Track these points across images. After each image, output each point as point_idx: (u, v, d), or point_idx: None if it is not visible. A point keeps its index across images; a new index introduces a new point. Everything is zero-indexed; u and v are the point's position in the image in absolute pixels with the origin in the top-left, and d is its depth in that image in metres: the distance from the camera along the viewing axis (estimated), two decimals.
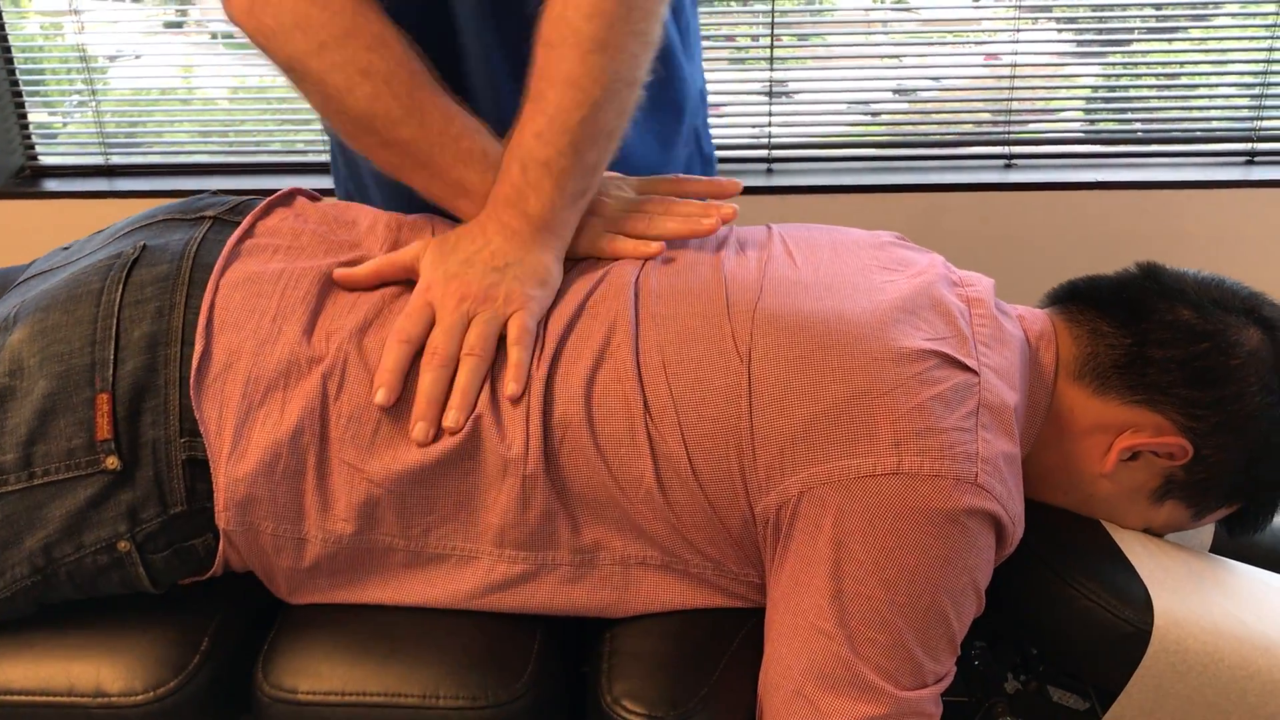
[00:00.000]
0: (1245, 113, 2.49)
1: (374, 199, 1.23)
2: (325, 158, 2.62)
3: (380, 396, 0.89)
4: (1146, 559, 0.98)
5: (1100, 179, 2.45)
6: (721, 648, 0.93)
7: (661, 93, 1.15)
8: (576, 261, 1.01)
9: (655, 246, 1.01)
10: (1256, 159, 2.50)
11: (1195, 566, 1.01)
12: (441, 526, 0.92)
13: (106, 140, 2.65)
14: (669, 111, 1.22)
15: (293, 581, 0.95)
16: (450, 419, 0.89)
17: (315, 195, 1.11)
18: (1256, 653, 0.94)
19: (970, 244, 2.48)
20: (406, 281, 0.98)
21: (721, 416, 0.88)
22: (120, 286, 0.93)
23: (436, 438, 0.89)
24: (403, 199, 1.07)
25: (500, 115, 1.02)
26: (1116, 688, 0.94)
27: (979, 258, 2.46)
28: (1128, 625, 0.93)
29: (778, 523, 0.88)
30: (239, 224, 1.01)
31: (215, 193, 1.10)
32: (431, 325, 0.93)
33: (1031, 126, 2.60)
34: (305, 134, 2.68)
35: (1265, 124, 2.49)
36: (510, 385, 0.90)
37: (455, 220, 1.04)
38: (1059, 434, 1.00)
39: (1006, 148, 2.54)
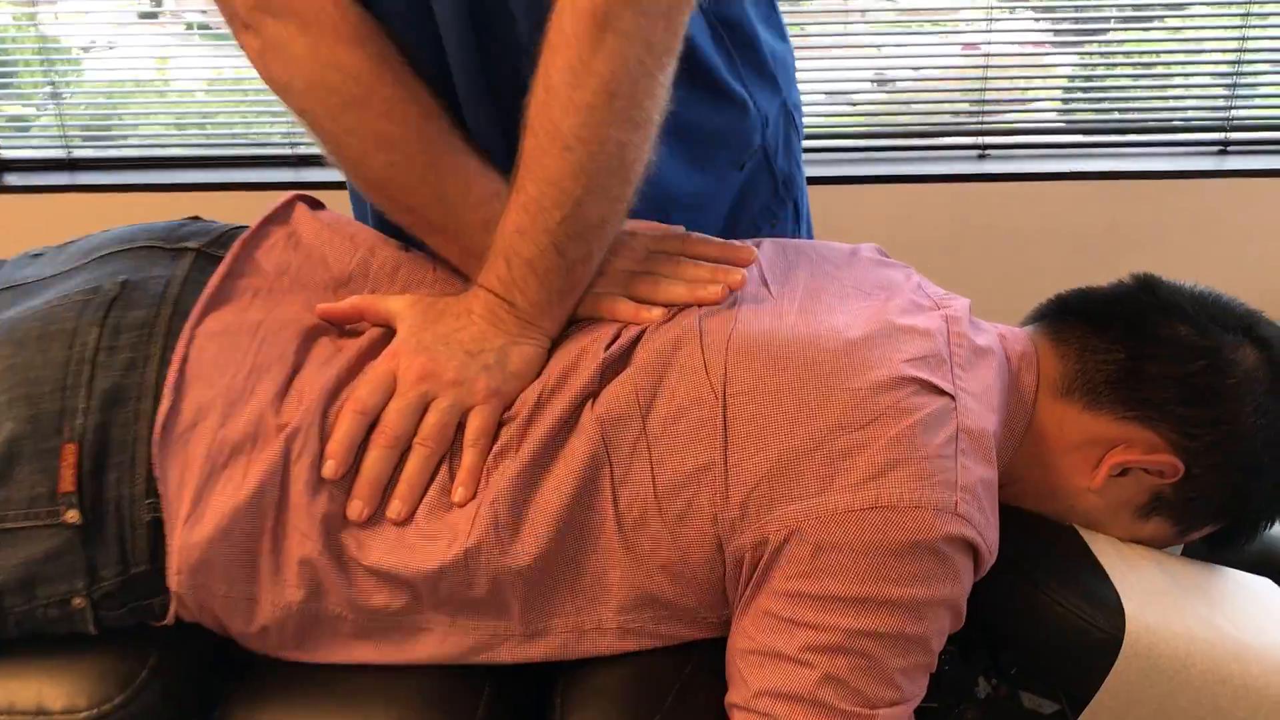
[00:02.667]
0: (1219, 101, 2.48)
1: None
2: (304, 149, 2.59)
3: (328, 469, 0.87)
4: (1119, 563, 0.97)
5: (1075, 169, 2.44)
6: (679, 672, 0.91)
7: (702, 124, 1.10)
8: (576, 323, 0.97)
9: (655, 313, 0.95)
10: (1230, 148, 2.49)
11: (1169, 569, 1.00)
12: (390, 601, 0.89)
13: (68, 133, 2.60)
14: (714, 143, 1.15)
15: (245, 642, 0.92)
16: (393, 509, 0.87)
17: (317, 203, 1.07)
18: (1229, 658, 0.92)
19: (945, 236, 2.46)
20: (387, 330, 0.95)
21: (694, 454, 0.86)
22: (97, 329, 0.89)
23: (373, 519, 0.87)
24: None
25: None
26: (1088, 694, 0.92)
27: (954, 250, 2.45)
28: (1099, 632, 0.91)
29: (753, 561, 0.85)
30: (220, 257, 0.97)
31: (196, 218, 1.06)
32: (391, 397, 0.90)
33: (1006, 116, 2.58)
34: (281, 126, 2.65)
35: (1238, 113, 2.48)
36: (459, 490, 0.87)
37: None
38: (1044, 450, 0.98)
39: (980, 138, 2.53)
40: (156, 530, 0.86)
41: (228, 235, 1.00)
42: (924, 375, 0.87)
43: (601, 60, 0.86)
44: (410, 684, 0.90)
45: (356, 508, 0.87)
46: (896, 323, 0.92)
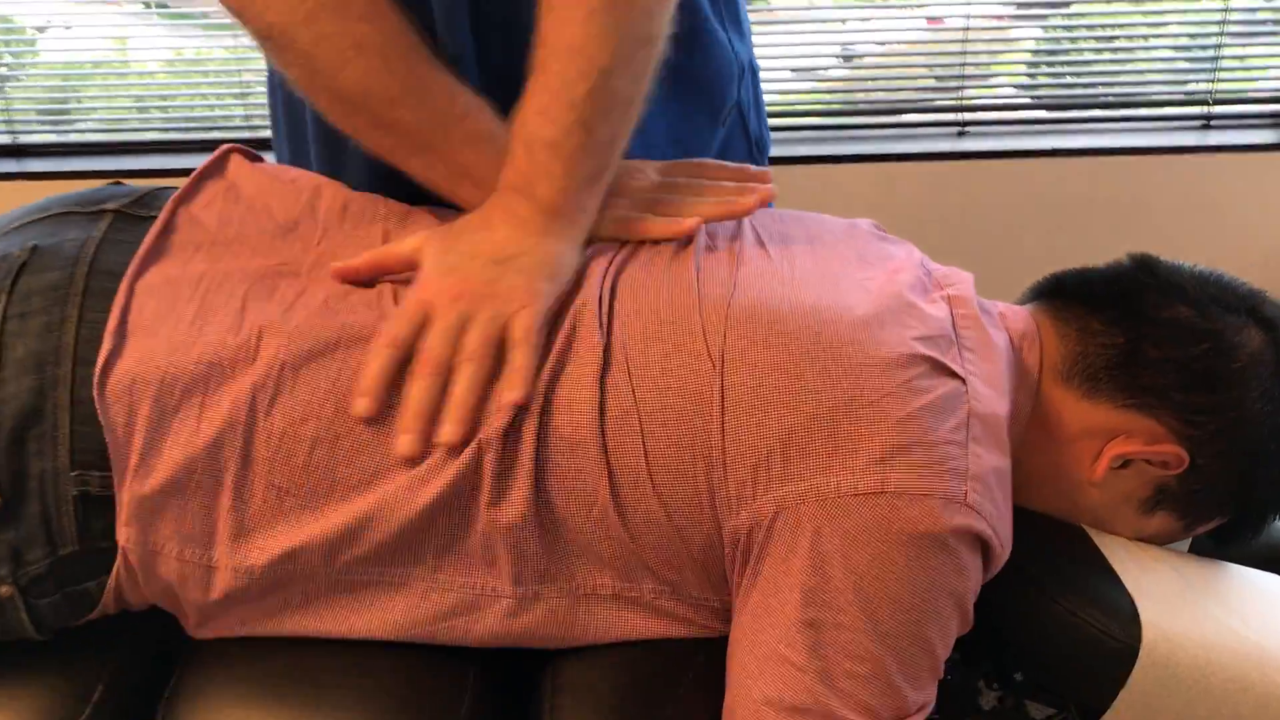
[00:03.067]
0: (1202, 74, 2.43)
1: (354, 180, 1.10)
2: (265, 132, 2.48)
3: (361, 406, 0.80)
4: (1133, 566, 0.91)
5: (1056, 146, 2.39)
6: (675, 678, 0.84)
7: (688, 66, 1.04)
8: (593, 243, 0.92)
9: (691, 222, 0.90)
10: (1213, 123, 2.45)
11: (1184, 571, 0.94)
12: (374, 554, 0.82)
13: (15, 119, 2.50)
14: (697, 88, 1.11)
15: (203, 613, 0.85)
16: (445, 432, 0.79)
17: (254, 155, 1.00)
18: (1249, 665, 0.87)
19: (923, 215, 2.41)
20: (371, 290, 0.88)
21: (689, 426, 0.79)
22: (4, 297, 0.82)
23: (424, 457, 0.80)
24: (392, 182, 0.96)
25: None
26: (1103, 705, 0.87)
27: (933, 230, 2.39)
28: (1114, 641, 0.86)
29: (749, 544, 0.79)
30: (145, 217, 0.90)
31: (116, 181, 0.99)
32: (424, 327, 0.83)
33: (985, 92, 2.52)
34: (240, 108, 2.55)
35: (1221, 86, 2.43)
36: (508, 393, 0.80)
37: (438, 204, 0.93)
38: (1045, 439, 0.92)
39: (959, 114, 2.47)
40: (85, 505, 0.80)
41: (149, 196, 0.93)
42: (934, 355, 0.82)
43: None
44: (385, 680, 0.84)
45: (407, 442, 0.80)
46: (902, 297, 0.86)
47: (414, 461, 0.80)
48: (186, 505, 0.80)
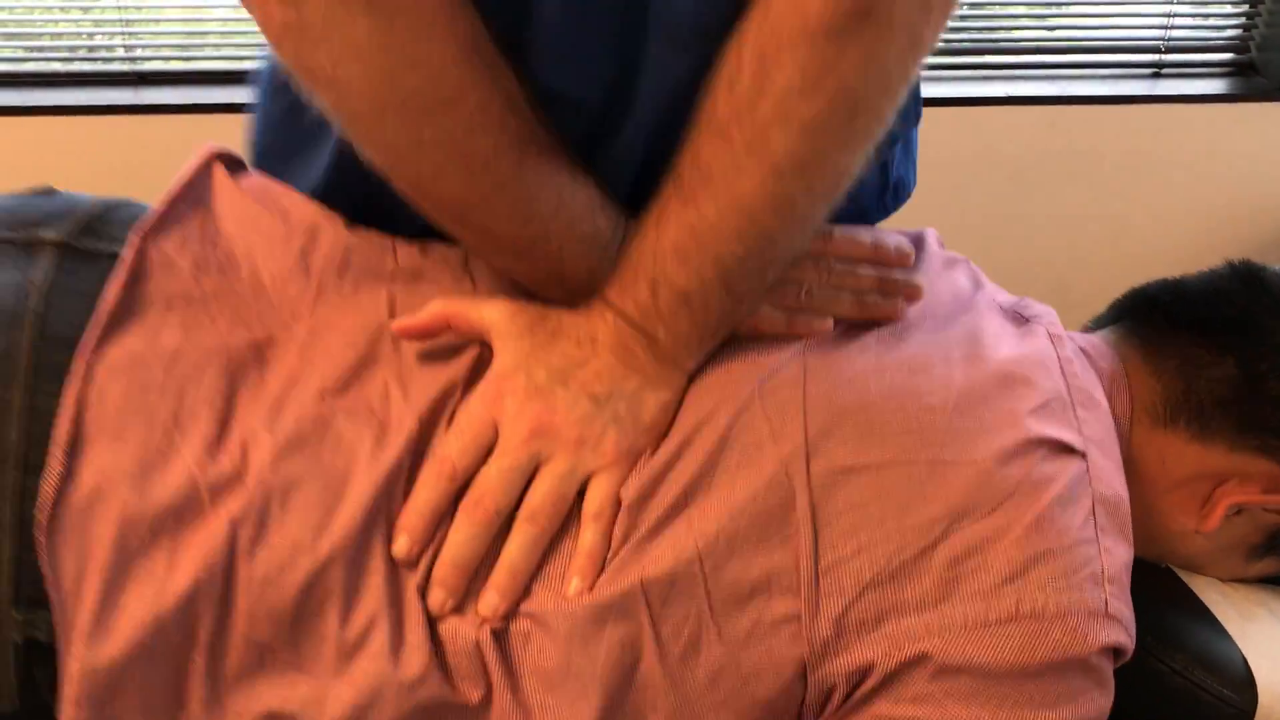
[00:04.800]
0: (1156, 20, 2.34)
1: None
2: (146, 65, 2.22)
3: (400, 546, 0.65)
4: (1233, 614, 0.81)
5: (1007, 93, 2.27)
6: None
7: None
8: None
9: (823, 323, 0.74)
10: (1164, 71, 2.36)
11: (1278, 611, 0.84)
12: None
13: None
14: None
15: None
16: (488, 603, 0.65)
17: (236, 161, 0.80)
18: None
19: None
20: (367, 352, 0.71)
21: (765, 556, 0.65)
22: None
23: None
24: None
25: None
26: None
27: None
28: (1228, 707, 0.75)
29: (848, 690, 0.65)
30: (98, 254, 0.70)
31: (48, 190, 0.77)
32: (489, 451, 0.67)
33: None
34: (121, 37, 2.27)
35: (1174, 33, 2.34)
36: (575, 581, 0.65)
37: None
38: (1142, 489, 0.80)
39: None
40: (29, 653, 0.62)
41: (99, 220, 0.73)
42: (1052, 433, 0.69)
43: (851, 63, 0.63)
44: None
45: (439, 598, 0.65)
46: (1002, 357, 0.72)
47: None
48: (153, 672, 0.63)
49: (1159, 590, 0.82)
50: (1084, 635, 0.63)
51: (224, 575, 0.63)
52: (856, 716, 0.66)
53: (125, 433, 0.64)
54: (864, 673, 0.64)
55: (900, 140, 0.89)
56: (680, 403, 0.71)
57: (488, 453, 0.67)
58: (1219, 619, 0.80)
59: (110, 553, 0.62)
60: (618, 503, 0.67)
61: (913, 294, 0.77)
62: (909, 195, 0.93)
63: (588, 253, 0.71)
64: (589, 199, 0.72)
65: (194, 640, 0.63)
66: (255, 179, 0.80)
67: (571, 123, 0.72)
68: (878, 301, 0.76)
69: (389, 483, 0.66)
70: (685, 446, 0.68)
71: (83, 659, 0.61)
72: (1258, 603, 0.84)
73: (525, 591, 0.66)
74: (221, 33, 2.27)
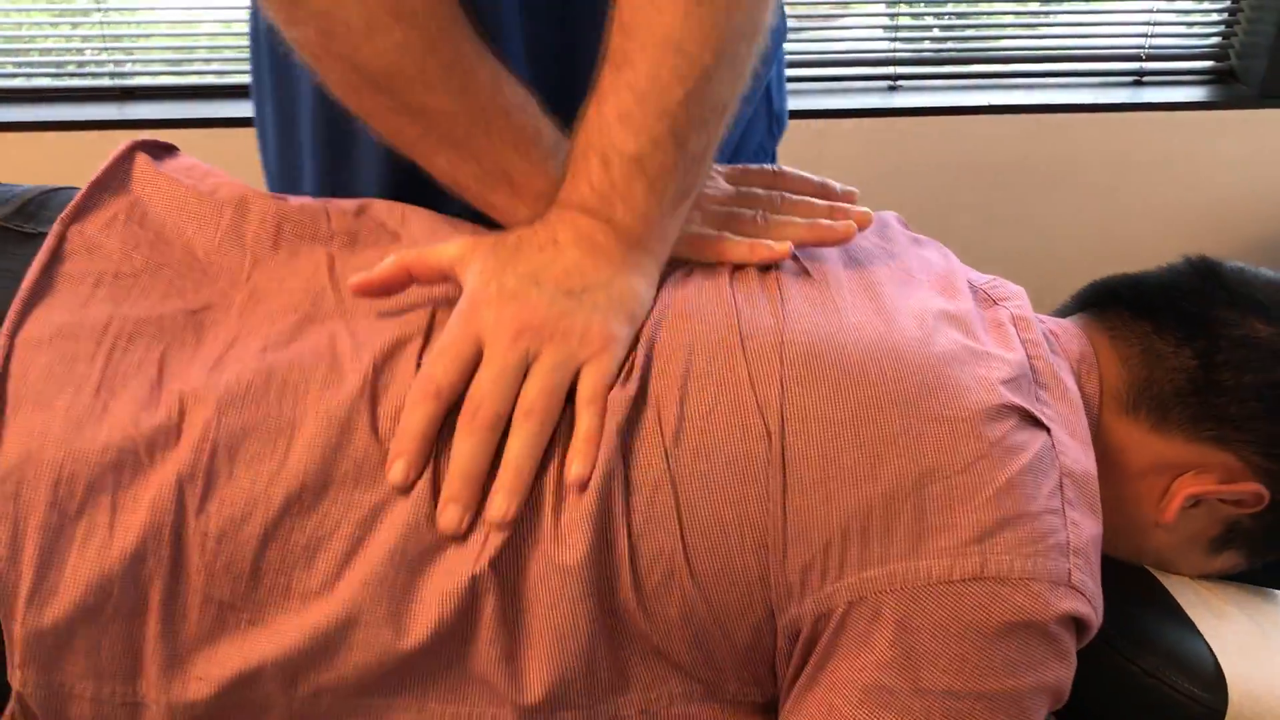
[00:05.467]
0: (1137, 29, 2.36)
1: (359, 176, 0.89)
2: (131, 80, 2.23)
3: (397, 471, 0.65)
4: (1206, 613, 0.82)
5: (991, 102, 2.29)
6: None
7: None
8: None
9: (783, 247, 0.76)
10: (1145, 79, 2.38)
11: (1252, 612, 0.85)
12: (345, 679, 0.66)
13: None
14: None
15: None
16: (497, 507, 0.65)
17: (163, 146, 0.82)
18: None
19: (854, 175, 2.28)
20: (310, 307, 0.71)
21: (738, 501, 0.66)
22: None
23: (470, 529, 0.65)
24: (405, 181, 0.79)
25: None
26: None
27: (865, 189, 2.28)
28: (1198, 706, 0.76)
29: (812, 637, 0.66)
30: (32, 234, 0.72)
31: None
32: (475, 368, 0.67)
33: (916, 45, 2.41)
34: (104, 51, 2.28)
35: (1155, 41, 2.36)
36: (574, 466, 0.65)
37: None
38: (1107, 477, 0.80)
39: (891, 68, 2.35)
40: None
41: (35, 202, 0.75)
42: (1021, 402, 0.69)
43: None
44: None
45: (454, 514, 0.65)
46: (973, 326, 0.73)
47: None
48: (102, 634, 0.63)
49: (1134, 589, 0.83)
50: (1045, 601, 0.64)
51: (173, 533, 0.63)
52: (819, 688, 0.66)
53: (52, 400, 0.65)
54: (824, 618, 0.65)
55: (775, 61, 0.95)
56: (657, 298, 0.72)
57: (472, 369, 0.68)
58: (1192, 618, 0.80)
59: (46, 513, 0.62)
60: (609, 387, 0.68)
61: (863, 219, 0.80)
62: (785, 126, 1.02)
63: (530, 150, 0.73)
64: (523, 93, 0.74)
65: (146, 602, 0.63)
66: (182, 161, 0.82)
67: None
68: (830, 225, 0.79)
69: (345, 420, 0.66)
70: (663, 377, 0.69)
71: (25, 621, 0.62)
72: (1232, 601, 0.85)
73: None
74: (210, 47, 2.28)
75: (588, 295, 0.69)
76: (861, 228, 0.80)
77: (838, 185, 0.84)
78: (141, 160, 0.79)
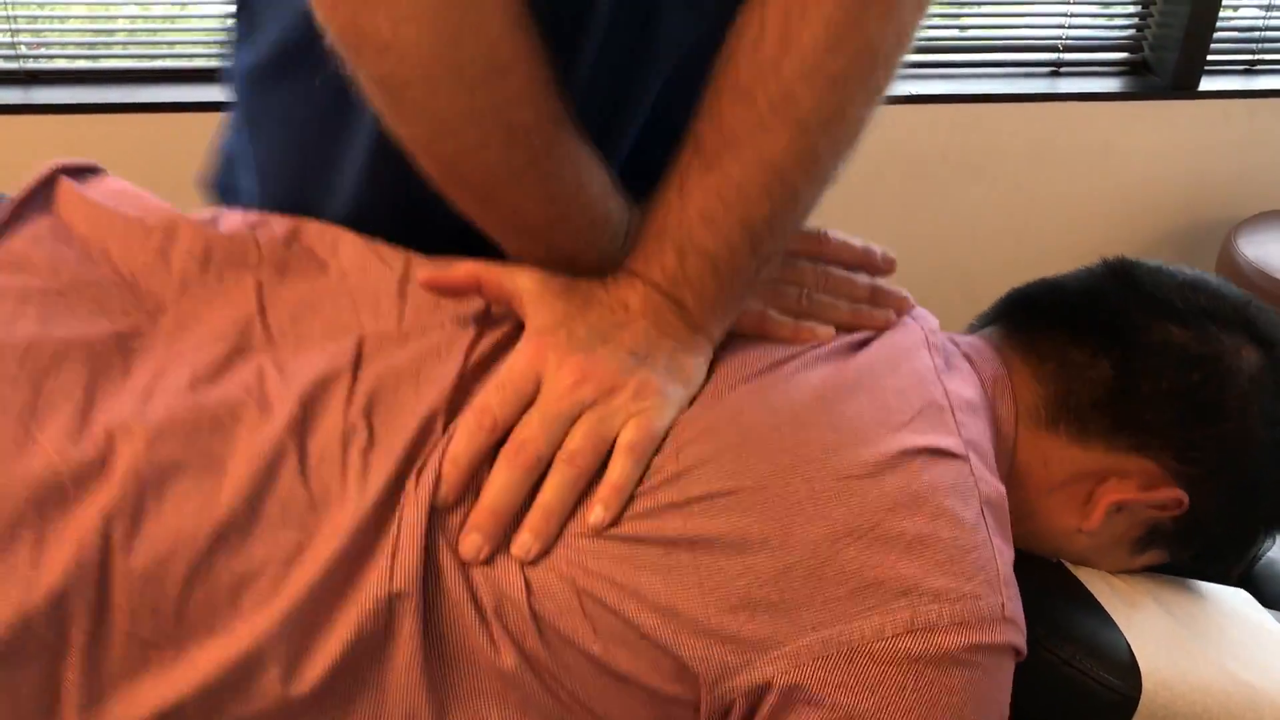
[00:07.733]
0: (1055, 20, 2.39)
1: (338, 187, 0.83)
2: (34, 64, 2.16)
3: (441, 494, 0.65)
4: (1120, 604, 0.83)
5: (909, 92, 2.31)
6: None
7: None
8: None
9: (826, 332, 0.76)
10: (1062, 70, 2.42)
11: (1168, 604, 0.86)
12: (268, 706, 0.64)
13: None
14: None
15: None
16: (521, 544, 0.64)
17: (88, 169, 0.79)
18: (1244, 708, 0.80)
19: None
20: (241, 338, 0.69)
21: (651, 575, 0.65)
22: None
23: (489, 560, 0.65)
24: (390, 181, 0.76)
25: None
26: None
27: None
28: (1112, 694, 0.77)
29: (747, 712, 0.65)
30: None
31: None
32: (529, 405, 0.67)
33: None
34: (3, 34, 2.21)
35: (1072, 32, 2.40)
36: (597, 509, 0.65)
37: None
38: (1027, 491, 0.82)
39: None
40: None
41: None
42: (929, 440, 0.69)
43: (874, 17, 0.68)
44: None
45: (474, 543, 0.65)
46: (863, 355, 0.74)
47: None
48: (20, 676, 0.60)
49: (1049, 583, 0.84)
50: (978, 640, 0.64)
51: (98, 571, 0.60)
52: None
53: None
54: (755, 691, 0.64)
55: None
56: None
57: (526, 406, 0.68)
58: (1106, 608, 0.81)
59: None
60: (653, 440, 0.68)
61: (901, 305, 0.81)
62: None
63: (599, 237, 0.73)
64: (604, 183, 0.73)
65: (66, 642, 0.61)
66: (108, 183, 0.79)
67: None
68: (871, 312, 0.79)
69: (273, 459, 0.64)
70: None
71: None
72: (1145, 592, 0.86)
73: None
74: (127, 29, 2.22)
75: (650, 360, 0.70)
76: (900, 314, 0.80)
77: (878, 251, 0.83)
78: (64, 185, 0.77)
